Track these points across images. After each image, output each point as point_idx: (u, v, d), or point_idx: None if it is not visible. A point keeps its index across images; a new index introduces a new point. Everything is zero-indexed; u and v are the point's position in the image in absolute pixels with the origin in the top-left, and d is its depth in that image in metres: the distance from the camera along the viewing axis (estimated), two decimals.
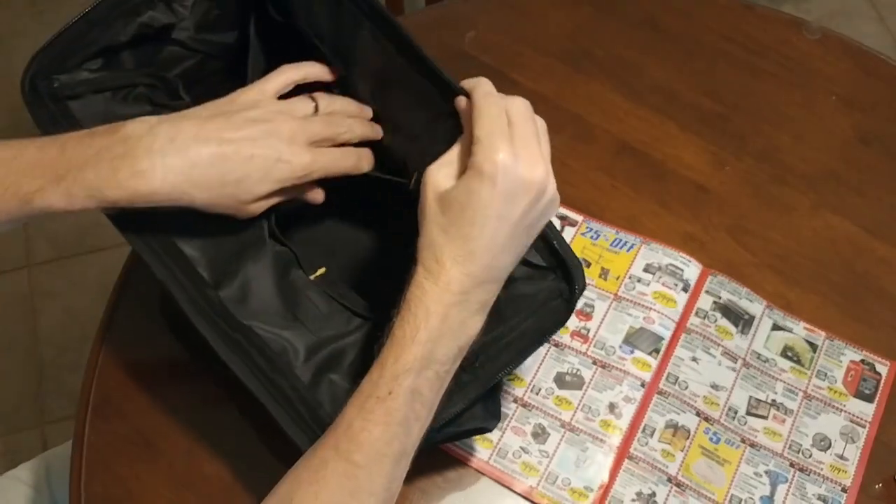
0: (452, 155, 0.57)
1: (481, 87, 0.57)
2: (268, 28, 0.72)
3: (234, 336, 0.63)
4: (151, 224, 0.64)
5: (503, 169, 0.53)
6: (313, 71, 0.68)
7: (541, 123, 0.58)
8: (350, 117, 0.68)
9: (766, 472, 0.74)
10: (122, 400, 0.76)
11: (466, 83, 0.59)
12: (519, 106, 0.57)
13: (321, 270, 0.71)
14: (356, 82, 0.68)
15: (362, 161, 0.67)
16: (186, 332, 0.64)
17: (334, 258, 0.74)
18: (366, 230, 0.77)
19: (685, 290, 0.81)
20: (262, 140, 0.60)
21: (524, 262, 0.62)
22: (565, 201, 0.85)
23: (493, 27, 1.00)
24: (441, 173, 0.57)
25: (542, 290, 0.63)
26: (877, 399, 0.77)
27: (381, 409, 0.53)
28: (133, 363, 0.78)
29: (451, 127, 0.59)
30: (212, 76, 0.75)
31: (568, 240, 0.83)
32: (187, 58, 0.73)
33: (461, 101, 0.58)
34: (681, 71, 0.96)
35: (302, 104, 0.65)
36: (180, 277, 0.64)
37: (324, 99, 0.66)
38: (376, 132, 0.69)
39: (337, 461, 0.53)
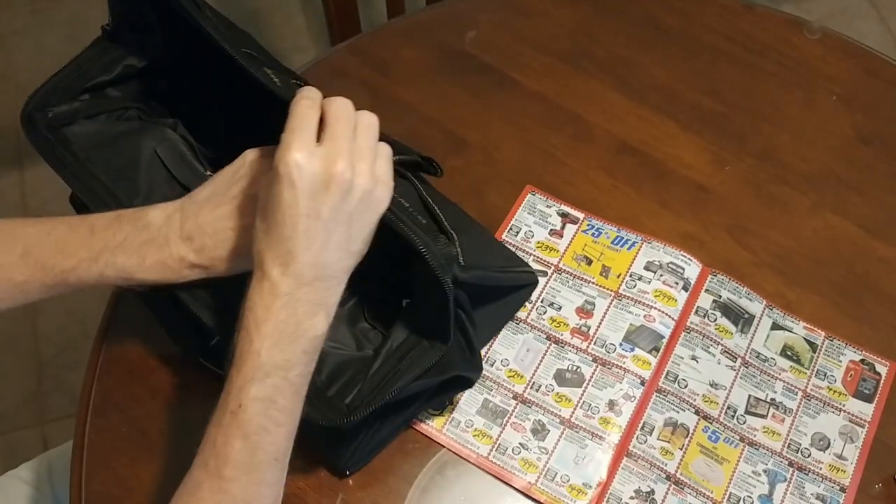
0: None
1: (300, 93, 0.57)
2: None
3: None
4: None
5: (296, 167, 0.53)
6: None
7: (366, 120, 0.58)
8: None
9: (764, 471, 0.74)
10: (123, 399, 0.76)
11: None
12: (336, 105, 0.57)
13: None
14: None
15: None
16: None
17: None
18: None
19: (685, 288, 0.81)
20: (245, 213, 0.62)
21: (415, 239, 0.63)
22: (566, 199, 0.86)
23: (493, 26, 1.00)
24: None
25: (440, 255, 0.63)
26: (876, 399, 0.77)
27: (234, 422, 0.54)
28: (133, 362, 0.78)
29: None
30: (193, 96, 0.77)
31: (569, 237, 0.84)
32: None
33: None
34: (681, 70, 0.96)
35: None
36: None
37: None
38: None
39: (209, 480, 0.55)
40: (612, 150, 0.91)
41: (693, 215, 0.86)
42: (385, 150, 0.59)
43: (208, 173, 0.75)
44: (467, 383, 0.71)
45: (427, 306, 0.66)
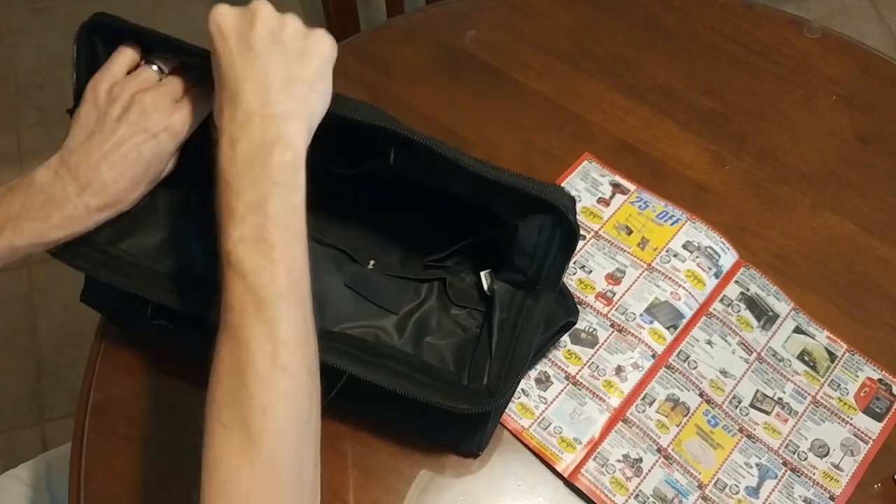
0: None
1: None
2: None
3: (333, 345, 0.67)
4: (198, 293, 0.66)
5: (220, 15, 0.59)
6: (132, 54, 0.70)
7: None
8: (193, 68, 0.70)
9: (756, 465, 0.74)
10: (122, 397, 0.76)
11: None
12: None
13: (372, 262, 0.76)
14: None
15: None
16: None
17: (362, 243, 0.78)
18: (371, 211, 0.80)
19: (717, 275, 0.82)
20: (136, 131, 0.64)
21: (517, 209, 0.67)
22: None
23: (493, 26, 1.00)
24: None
25: (542, 223, 0.67)
26: (886, 419, 0.76)
27: (230, 270, 0.54)
28: (133, 360, 0.78)
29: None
30: None
31: (615, 207, 0.86)
32: None
33: None
34: (681, 70, 0.96)
35: (146, 73, 0.68)
36: None
37: (160, 59, 0.69)
38: None
39: (222, 333, 0.54)
40: (611, 150, 0.91)
41: (692, 215, 0.86)
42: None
43: None
44: (568, 328, 0.74)
45: (543, 252, 0.68)
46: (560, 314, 0.72)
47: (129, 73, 0.68)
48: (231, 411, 0.52)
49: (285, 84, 0.58)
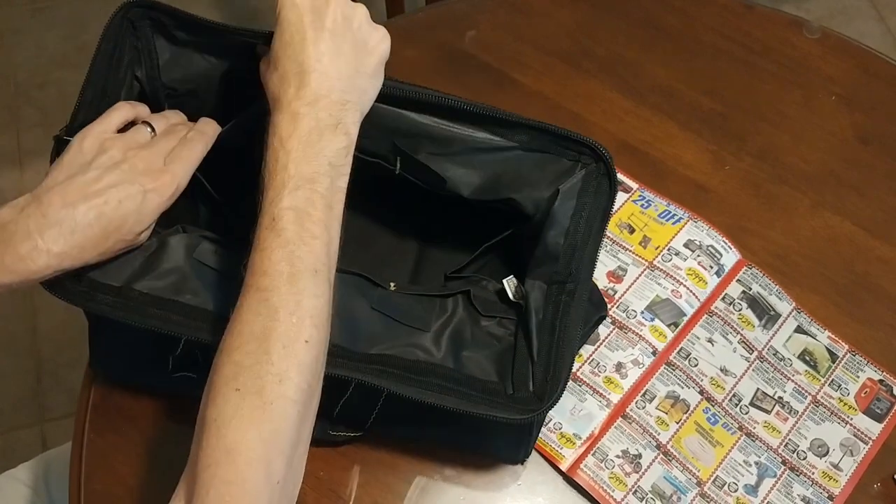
0: None
1: None
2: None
3: (372, 367, 0.66)
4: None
5: None
6: (144, 110, 0.70)
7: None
8: (183, 124, 0.70)
9: (756, 463, 0.74)
10: (122, 397, 0.76)
11: None
12: None
13: (392, 285, 0.74)
14: None
15: (207, 135, 0.68)
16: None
17: (376, 261, 0.77)
18: (383, 231, 0.80)
19: (718, 274, 0.82)
20: (124, 182, 0.62)
21: (548, 166, 0.69)
22: None
23: (493, 26, 1.00)
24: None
25: (580, 180, 0.69)
26: (886, 420, 0.76)
27: (272, 235, 0.56)
28: None
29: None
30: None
31: (618, 205, 0.85)
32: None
33: None
34: (681, 70, 0.96)
35: (141, 132, 0.67)
36: None
37: (155, 119, 0.69)
38: (214, 128, 0.70)
39: (249, 295, 0.54)
40: (611, 150, 0.90)
41: (694, 214, 0.86)
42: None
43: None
44: (600, 322, 0.74)
45: (576, 222, 0.69)
46: (591, 311, 0.71)
47: (119, 131, 0.67)
48: (248, 375, 0.52)
49: (352, 74, 0.61)
